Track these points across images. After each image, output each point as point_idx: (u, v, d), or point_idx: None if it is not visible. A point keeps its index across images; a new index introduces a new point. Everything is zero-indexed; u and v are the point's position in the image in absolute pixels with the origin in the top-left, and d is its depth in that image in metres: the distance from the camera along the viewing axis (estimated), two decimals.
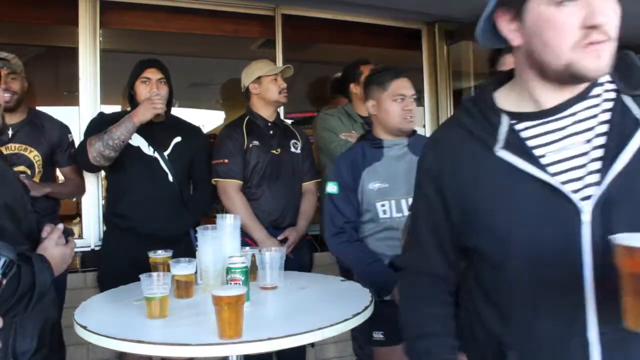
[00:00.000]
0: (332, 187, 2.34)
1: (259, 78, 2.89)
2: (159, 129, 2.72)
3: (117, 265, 2.55)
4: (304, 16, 3.89)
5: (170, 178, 2.70)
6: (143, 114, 2.54)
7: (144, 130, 2.62)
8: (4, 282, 0.76)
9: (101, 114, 2.83)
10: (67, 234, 1.57)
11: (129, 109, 2.74)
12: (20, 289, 1.32)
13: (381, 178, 2.28)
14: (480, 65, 4.63)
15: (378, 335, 2.28)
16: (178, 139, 2.77)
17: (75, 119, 3.19)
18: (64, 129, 2.84)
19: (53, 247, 1.50)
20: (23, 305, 1.35)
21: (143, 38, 4.31)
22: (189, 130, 2.88)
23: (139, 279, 1.92)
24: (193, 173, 2.83)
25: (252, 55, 3.97)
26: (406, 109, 2.30)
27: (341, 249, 2.32)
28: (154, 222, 2.61)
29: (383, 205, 2.27)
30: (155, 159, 2.69)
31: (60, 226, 1.56)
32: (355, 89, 3.22)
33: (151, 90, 2.64)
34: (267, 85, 2.88)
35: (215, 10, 3.65)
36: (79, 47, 3.23)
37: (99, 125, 2.63)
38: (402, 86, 2.32)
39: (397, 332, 2.13)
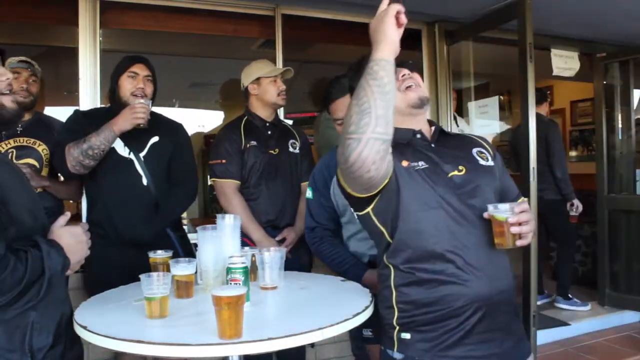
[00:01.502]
0: (308, 193, 2.39)
1: (258, 79, 2.88)
2: (139, 128, 2.54)
3: (102, 271, 2.44)
4: (303, 16, 3.89)
5: (145, 181, 2.56)
6: (123, 124, 2.43)
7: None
8: None
9: (77, 112, 2.70)
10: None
11: (108, 105, 2.67)
12: (28, 274, 1.32)
13: None
14: (480, 66, 4.63)
15: (367, 332, 2.31)
16: (155, 138, 2.61)
17: None
18: None
19: (59, 229, 1.50)
20: (34, 292, 1.35)
21: (143, 38, 4.31)
22: (168, 128, 2.71)
23: (125, 283, 1.92)
24: (170, 173, 2.65)
25: (252, 55, 3.96)
26: None
27: (315, 248, 2.39)
28: (127, 229, 2.49)
29: None
30: (130, 160, 2.55)
31: (67, 214, 1.56)
32: None
33: (137, 86, 2.54)
34: (265, 86, 2.88)
35: (214, 10, 3.65)
36: (79, 47, 3.23)
37: (77, 125, 2.55)
38: (338, 109, 2.32)
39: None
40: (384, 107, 1.37)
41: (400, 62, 1.71)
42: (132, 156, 2.56)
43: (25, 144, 2.65)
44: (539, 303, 4.94)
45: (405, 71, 1.71)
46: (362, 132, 1.33)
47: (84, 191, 2.86)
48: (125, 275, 2.04)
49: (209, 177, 4.11)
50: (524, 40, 3.54)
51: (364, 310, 1.68)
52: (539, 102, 5.03)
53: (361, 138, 1.33)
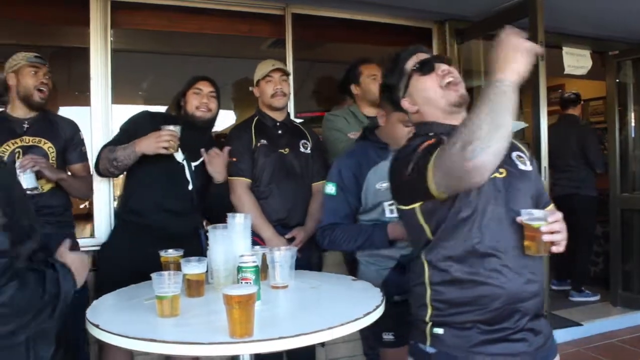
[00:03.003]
0: (330, 189, 2.33)
1: (258, 81, 2.91)
2: (198, 139, 2.76)
3: (118, 257, 2.59)
4: (314, 15, 3.88)
5: (190, 187, 2.73)
6: (146, 147, 2.54)
7: (184, 135, 2.63)
8: None
9: (142, 113, 2.84)
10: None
11: (173, 113, 2.88)
12: (47, 295, 1.32)
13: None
14: (491, 64, 4.60)
15: (388, 336, 2.28)
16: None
17: (86, 118, 3.21)
18: (75, 127, 2.86)
19: (68, 253, 1.51)
20: (47, 315, 1.34)
21: (153, 38, 4.33)
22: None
23: (137, 276, 1.93)
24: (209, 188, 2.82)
25: (263, 55, 3.97)
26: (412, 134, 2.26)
27: (330, 239, 2.32)
28: (165, 221, 2.63)
29: (391, 205, 2.23)
30: (183, 166, 2.73)
31: (67, 240, 1.58)
32: (355, 89, 3.20)
33: (201, 101, 2.72)
34: (263, 87, 2.90)
35: (224, 10, 3.65)
36: (90, 47, 3.25)
37: (133, 126, 2.72)
38: None
39: (407, 332, 2.16)
40: (510, 126, 1.38)
41: (437, 56, 1.70)
42: (185, 163, 2.73)
43: (31, 143, 2.65)
44: (558, 288, 5.20)
45: (444, 66, 1.68)
46: (492, 144, 1.33)
47: (111, 185, 3.12)
48: (139, 268, 2.06)
49: None
50: (535, 38, 3.52)
51: (375, 310, 1.68)
52: (573, 104, 5.15)
53: (490, 147, 1.33)
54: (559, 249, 1.55)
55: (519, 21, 3.72)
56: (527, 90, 3.81)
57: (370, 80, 3.15)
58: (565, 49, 4.44)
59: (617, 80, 4.90)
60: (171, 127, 2.56)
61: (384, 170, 2.23)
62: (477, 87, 4.66)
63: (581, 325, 4.27)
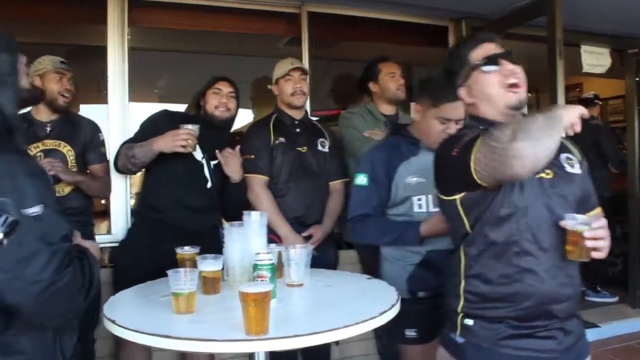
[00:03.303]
0: (361, 179, 2.31)
1: (277, 79, 2.91)
2: (217, 138, 2.79)
3: (137, 254, 2.62)
4: (329, 13, 3.88)
5: (209, 185, 2.77)
6: (164, 146, 2.56)
7: (202, 135, 2.65)
8: (4, 242, 0.74)
9: (161, 112, 2.88)
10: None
11: (193, 112, 2.94)
12: (86, 281, 1.35)
13: (419, 172, 2.23)
14: None
15: (411, 333, 2.27)
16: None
17: (104, 116, 3.23)
18: (95, 128, 2.89)
19: (84, 241, 1.54)
20: (81, 301, 1.36)
21: (170, 36, 4.35)
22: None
23: (156, 273, 1.94)
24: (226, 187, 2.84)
25: (278, 53, 3.97)
26: (447, 132, 2.23)
27: (360, 231, 2.32)
28: (184, 218, 2.65)
29: (419, 200, 2.24)
30: (202, 164, 2.75)
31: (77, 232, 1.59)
32: (374, 87, 3.21)
33: (221, 100, 2.75)
34: (282, 86, 2.91)
35: (241, 9, 3.66)
36: (107, 46, 3.27)
37: (152, 124, 2.74)
38: (453, 110, 2.18)
39: (430, 329, 2.20)
40: (555, 144, 1.43)
41: (503, 53, 1.65)
42: (204, 161, 2.76)
43: (51, 146, 2.69)
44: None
45: (510, 65, 1.63)
46: (540, 142, 1.38)
47: (127, 182, 3.21)
48: (156, 265, 2.07)
49: None
50: (553, 36, 3.49)
51: (390, 309, 1.67)
52: (591, 104, 5.11)
53: (537, 143, 1.37)
54: (600, 255, 1.54)
55: (536, 19, 3.69)
56: (545, 89, 3.78)
57: (389, 78, 3.16)
58: (583, 47, 4.39)
59: (637, 79, 4.83)
60: (189, 126, 2.57)
61: (415, 165, 2.26)
62: None
63: (598, 326, 4.22)
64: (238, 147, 2.81)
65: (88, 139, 2.82)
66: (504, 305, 1.57)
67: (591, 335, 4.07)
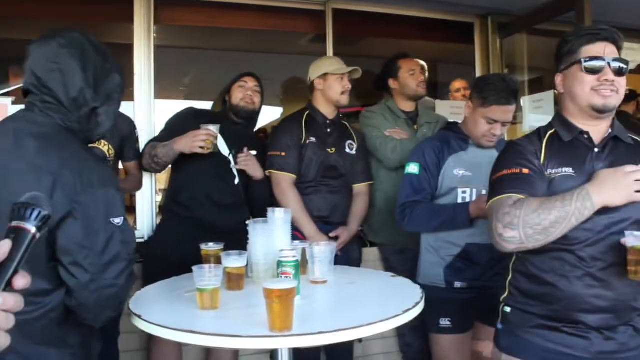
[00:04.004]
0: (413, 168, 2.42)
1: (325, 74, 2.89)
2: (242, 135, 2.83)
3: (165, 251, 2.63)
4: (354, 10, 3.87)
5: (237, 181, 2.79)
6: (184, 146, 2.58)
7: (228, 131, 2.70)
8: (37, 236, 0.75)
9: (186, 110, 2.92)
10: None
11: (218, 110, 2.98)
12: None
13: (466, 166, 2.36)
14: (534, 59, 4.51)
15: (445, 322, 2.33)
16: (254, 152, 2.83)
17: (130, 114, 3.26)
18: (132, 125, 2.91)
19: None
20: (124, 305, 1.52)
21: (195, 34, 4.38)
22: (263, 148, 2.93)
23: (184, 269, 1.96)
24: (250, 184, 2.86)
25: (302, 50, 3.97)
26: (491, 132, 2.33)
27: (409, 217, 2.40)
28: (213, 214, 2.69)
29: (464, 192, 2.35)
30: (229, 160, 2.77)
31: None
32: (394, 84, 3.18)
33: (246, 93, 2.80)
34: (331, 83, 2.88)
35: (265, 6, 3.67)
36: (134, 44, 3.30)
37: (179, 122, 2.80)
38: (500, 113, 2.30)
39: (464, 319, 2.26)
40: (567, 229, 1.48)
41: (614, 60, 1.58)
42: (230, 158, 2.78)
43: (91, 145, 2.72)
44: None
45: (612, 76, 1.57)
46: (549, 235, 1.47)
47: (153, 179, 3.23)
48: (185, 260, 2.07)
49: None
50: None
51: (414, 307, 1.66)
52: (626, 100, 4.96)
53: (529, 239, 1.49)
54: None
55: (564, 15, 3.63)
56: None
57: (409, 75, 3.14)
58: None
59: None
60: (209, 127, 2.58)
61: (463, 159, 2.40)
62: (520, 82, 4.57)
63: None
64: (246, 150, 2.79)
65: (125, 135, 2.82)
66: (538, 303, 1.63)
67: None
